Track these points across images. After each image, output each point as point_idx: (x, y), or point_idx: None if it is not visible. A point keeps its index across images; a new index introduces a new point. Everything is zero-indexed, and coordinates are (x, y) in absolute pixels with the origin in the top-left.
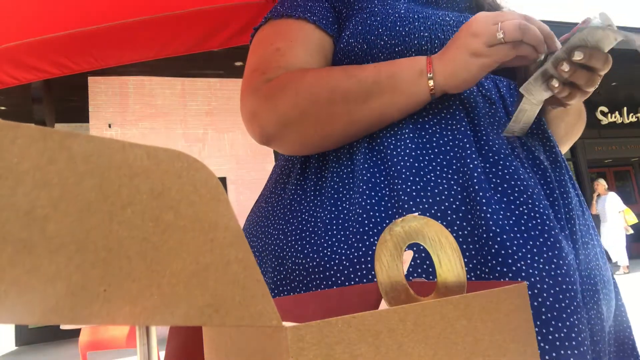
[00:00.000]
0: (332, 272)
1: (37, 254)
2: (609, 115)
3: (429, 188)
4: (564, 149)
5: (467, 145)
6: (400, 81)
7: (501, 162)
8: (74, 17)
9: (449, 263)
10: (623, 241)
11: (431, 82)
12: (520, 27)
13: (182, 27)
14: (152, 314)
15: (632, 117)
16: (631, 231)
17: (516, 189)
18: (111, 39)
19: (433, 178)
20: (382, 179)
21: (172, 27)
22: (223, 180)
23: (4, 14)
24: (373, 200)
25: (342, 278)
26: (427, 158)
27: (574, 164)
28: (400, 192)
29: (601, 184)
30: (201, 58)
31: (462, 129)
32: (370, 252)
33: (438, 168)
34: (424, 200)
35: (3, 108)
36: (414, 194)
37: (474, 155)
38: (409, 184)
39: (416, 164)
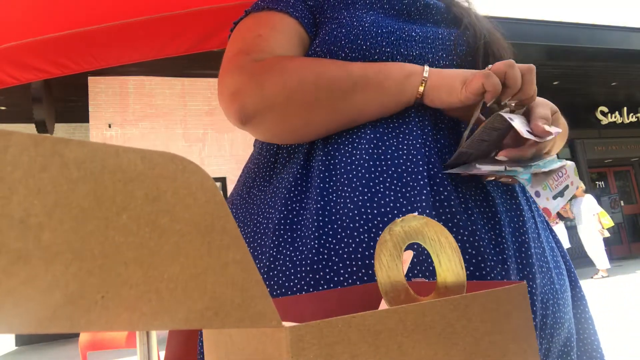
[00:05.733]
0: (275, 272)
1: (32, 264)
2: (609, 115)
3: (375, 199)
4: None
5: (420, 162)
6: (387, 78)
7: (435, 188)
8: (74, 17)
9: (449, 263)
10: (600, 244)
11: (421, 88)
12: (498, 85)
13: (182, 27)
14: (151, 319)
15: (632, 117)
16: (607, 234)
17: (446, 215)
18: (111, 39)
19: (382, 189)
20: (333, 184)
21: (172, 27)
22: (223, 180)
23: (4, 14)
24: (320, 206)
25: (284, 279)
26: (379, 170)
27: None
28: (347, 201)
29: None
30: (201, 58)
31: (418, 145)
32: (314, 258)
33: (388, 180)
34: (369, 211)
35: (3, 108)
36: (360, 203)
37: (425, 174)
38: (357, 193)
39: (367, 175)
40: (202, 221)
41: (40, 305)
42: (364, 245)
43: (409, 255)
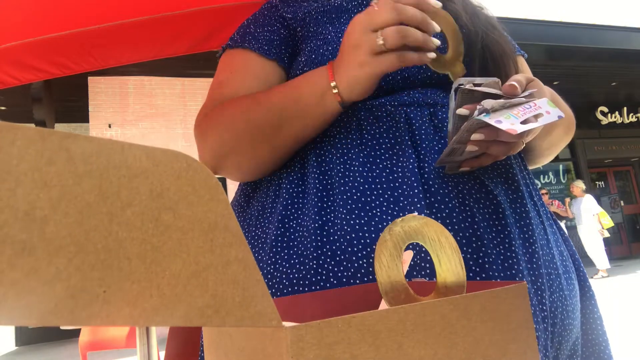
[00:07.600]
0: (272, 291)
1: (36, 256)
2: (609, 115)
3: (372, 223)
4: (544, 160)
5: (415, 184)
6: (305, 106)
7: (436, 205)
8: (74, 17)
9: (449, 263)
10: (600, 244)
11: (336, 90)
12: (399, 32)
13: (182, 27)
14: (151, 315)
15: (632, 117)
16: (607, 234)
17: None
18: (111, 39)
19: (378, 213)
20: (331, 204)
21: (172, 27)
22: (223, 180)
23: (4, 14)
24: (318, 225)
25: (280, 295)
26: (375, 193)
27: (573, 164)
28: (344, 222)
29: (577, 187)
30: (201, 58)
31: (410, 166)
32: (312, 279)
33: (385, 204)
34: (366, 235)
35: (3, 108)
36: (357, 227)
37: (420, 195)
38: (354, 216)
39: (363, 199)
40: (205, 219)
41: (42, 298)
42: (363, 271)
43: (409, 255)
